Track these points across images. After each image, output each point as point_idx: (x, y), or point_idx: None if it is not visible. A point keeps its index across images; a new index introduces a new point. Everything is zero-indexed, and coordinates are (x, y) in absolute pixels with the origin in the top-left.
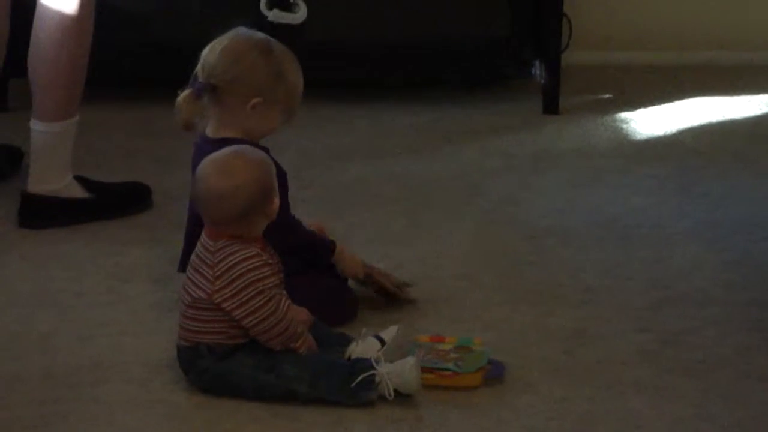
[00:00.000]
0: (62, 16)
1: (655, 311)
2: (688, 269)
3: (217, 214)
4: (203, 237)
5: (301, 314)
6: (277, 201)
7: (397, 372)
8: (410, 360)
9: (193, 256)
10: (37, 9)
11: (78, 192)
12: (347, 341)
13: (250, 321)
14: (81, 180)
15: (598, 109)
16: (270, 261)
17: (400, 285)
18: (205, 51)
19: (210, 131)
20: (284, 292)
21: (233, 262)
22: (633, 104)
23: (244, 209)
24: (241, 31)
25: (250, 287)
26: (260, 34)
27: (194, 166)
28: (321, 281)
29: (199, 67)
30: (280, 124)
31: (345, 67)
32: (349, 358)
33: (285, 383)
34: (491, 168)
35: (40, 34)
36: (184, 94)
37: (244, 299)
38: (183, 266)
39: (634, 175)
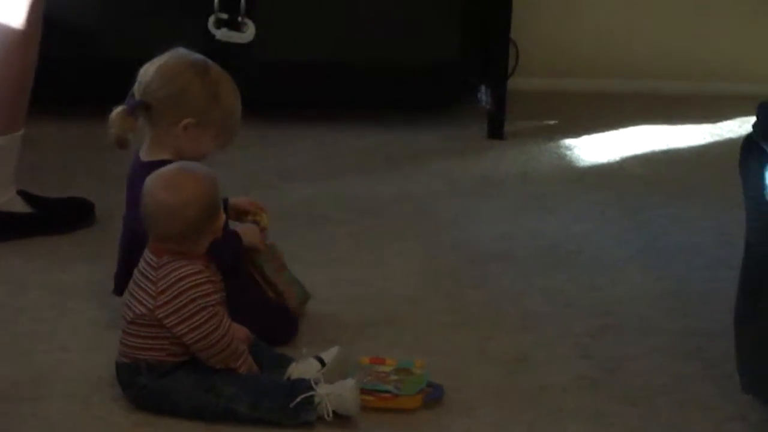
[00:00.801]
0: (8, 32)
1: (596, 338)
2: (629, 296)
3: (164, 230)
4: (146, 253)
5: (241, 333)
6: (222, 217)
7: (337, 393)
8: (350, 381)
9: (135, 273)
10: None
11: (20, 207)
12: (287, 361)
13: (191, 338)
14: (24, 195)
15: (543, 135)
16: (213, 278)
17: (303, 296)
18: (143, 69)
19: (143, 152)
20: (226, 310)
21: (177, 277)
22: (577, 131)
23: (192, 224)
24: (180, 50)
25: (192, 303)
26: (198, 55)
27: (129, 187)
28: (262, 300)
29: (135, 85)
30: (215, 148)
31: (291, 88)
32: (288, 379)
33: (224, 402)
34: (436, 191)
35: None
36: (117, 110)
37: (186, 315)
38: (118, 288)
39: (577, 202)
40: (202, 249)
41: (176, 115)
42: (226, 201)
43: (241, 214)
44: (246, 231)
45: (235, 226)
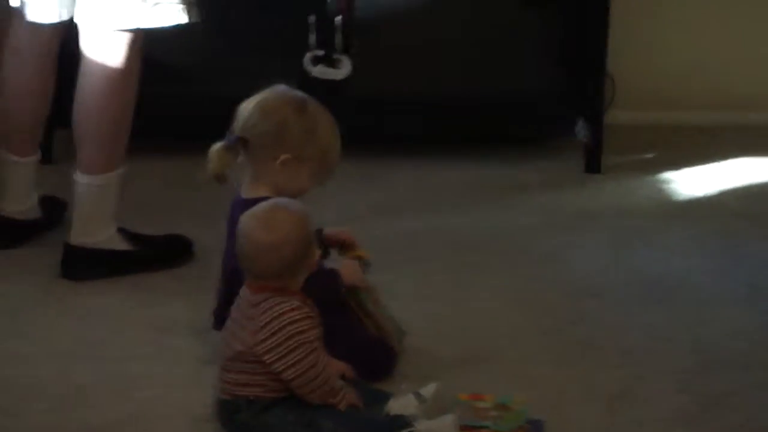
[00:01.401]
0: (108, 69)
1: (697, 373)
2: (730, 332)
3: (261, 269)
4: (244, 290)
5: (340, 368)
6: (316, 253)
7: (436, 430)
8: (449, 417)
9: (233, 310)
10: (83, 60)
11: (120, 244)
12: (386, 397)
13: (290, 374)
14: (123, 232)
15: (640, 169)
16: (311, 314)
17: (399, 334)
18: (242, 105)
19: (244, 189)
20: (323, 346)
21: (275, 314)
22: (675, 164)
23: (288, 262)
24: (280, 87)
25: (290, 339)
26: (298, 92)
27: (229, 224)
28: (360, 335)
29: (235, 121)
30: (313, 184)
31: (388, 123)
32: (387, 415)
33: None
34: (533, 225)
35: (86, 85)
36: (216, 146)
37: (285, 352)
38: (218, 323)
39: (676, 236)
40: (298, 285)
41: (274, 151)
42: (320, 231)
43: (337, 246)
44: (347, 268)
45: (336, 262)
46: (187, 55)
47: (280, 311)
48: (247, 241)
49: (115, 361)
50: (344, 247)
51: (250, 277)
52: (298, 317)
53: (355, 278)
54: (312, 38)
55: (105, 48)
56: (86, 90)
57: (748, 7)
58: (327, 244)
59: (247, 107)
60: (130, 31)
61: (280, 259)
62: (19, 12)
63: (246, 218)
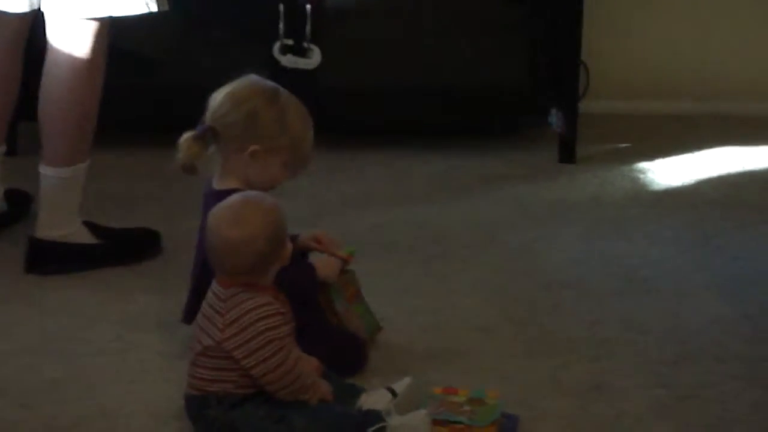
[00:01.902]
0: (74, 60)
1: (673, 366)
2: (706, 323)
3: (230, 265)
4: (214, 285)
5: (311, 363)
6: (289, 246)
7: (409, 424)
8: (422, 412)
9: (203, 304)
10: (49, 51)
11: (86, 238)
12: (358, 392)
13: (260, 371)
14: (90, 225)
15: (616, 159)
16: (282, 310)
17: (374, 328)
18: (213, 95)
19: (215, 181)
20: (294, 341)
21: (245, 309)
22: (650, 154)
23: (258, 258)
24: (252, 77)
25: (260, 336)
26: (269, 82)
27: (203, 216)
28: (331, 330)
29: (206, 111)
30: (285, 176)
31: (359, 114)
32: (360, 409)
33: None
34: (507, 217)
35: (52, 76)
36: (185, 136)
37: (254, 348)
38: (188, 317)
39: (652, 226)
40: (270, 279)
41: (244, 142)
42: (295, 237)
43: (313, 249)
44: (322, 263)
45: (314, 258)
46: (154, 44)
47: (251, 306)
48: (216, 236)
49: (83, 357)
50: (321, 245)
51: (220, 272)
52: (268, 313)
53: (329, 273)
54: (281, 27)
55: (71, 37)
56: (52, 80)
57: None
58: (304, 249)
59: (217, 97)
60: (97, 19)
61: (250, 255)
62: None
63: (214, 213)
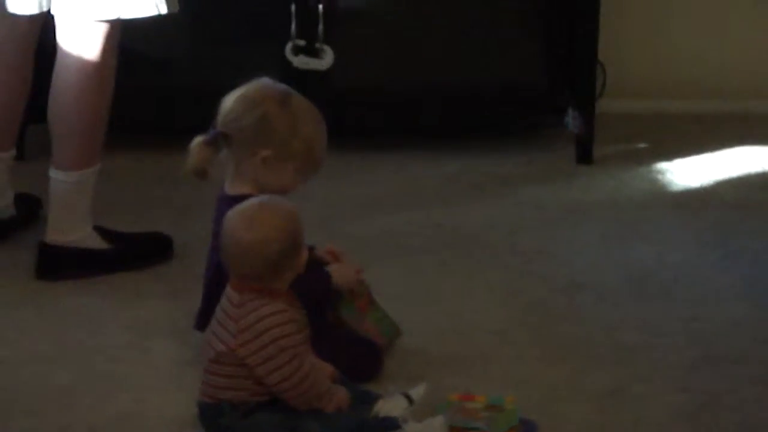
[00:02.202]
0: (84, 63)
1: (693, 370)
2: (726, 327)
3: (244, 268)
4: (228, 290)
5: (325, 370)
6: (305, 253)
7: (426, 431)
8: (438, 419)
9: (217, 310)
10: (59, 53)
11: (97, 243)
12: (373, 399)
13: (273, 378)
14: (100, 230)
15: (634, 159)
16: (295, 317)
17: (393, 334)
18: (225, 98)
19: (227, 186)
20: (309, 348)
21: (260, 316)
22: (669, 154)
23: (272, 262)
24: (264, 80)
25: (273, 344)
26: (282, 85)
27: (215, 220)
28: (346, 336)
29: (218, 115)
30: (298, 181)
31: (373, 115)
32: (375, 416)
33: None
34: (523, 219)
35: (62, 79)
36: (197, 140)
37: (267, 356)
38: (200, 324)
39: (671, 228)
40: (285, 286)
41: (255, 147)
42: (311, 249)
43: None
44: (339, 271)
45: (330, 266)
46: (165, 46)
47: (265, 313)
48: (231, 239)
49: (95, 364)
50: (337, 260)
51: (234, 276)
52: (283, 320)
53: (346, 281)
54: (293, 28)
55: (81, 40)
56: (62, 83)
57: None
58: (318, 261)
59: (229, 101)
60: (108, 21)
61: (263, 258)
62: None
63: (230, 216)
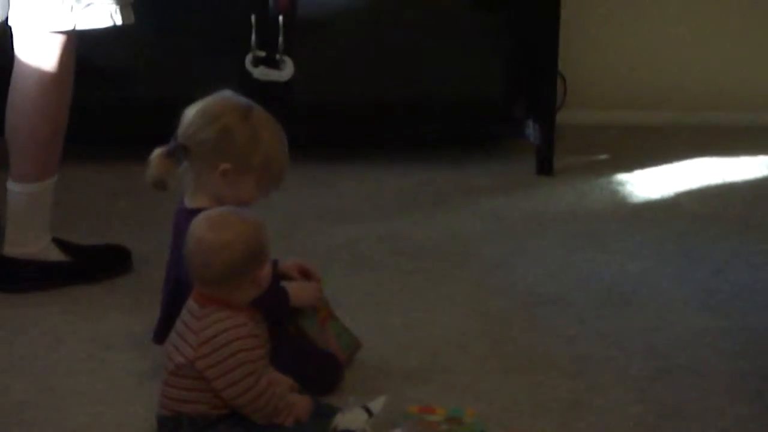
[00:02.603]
0: (41, 74)
1: (654, 381)
2: (687, 338)
3: (206, 271)
4: (190, 302)
5: (284, 382)
6: (268, 268)
7: None
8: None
9: (177, 322)
10: (16, 64)
11: (56, 255)
12: (333, 411)
13: (230, 393)
14: (59, 242)
15: (594, 170)
16: (256, 332)
17: (352, 347)
18: (186, 110)
19: (187, 199)
20: (268, 363)
21: (220, 329)
22: (629, 165)
23: (234, 268)
24: (225, 93)
25: (232, 358)
26: (243, 99)
27: (174, 233)
28: (305, 348)
29: (179, 127)
30: (258, 195)
31: (333, 126)
32: (335, 429)
33: None
34: (484, 231)
35: (19, 90)
36: (156, 152)
37: (226, 369)
38: (159, 337)
39: (631, 239)
40: (246, 300)
41: (215, 160)
42: (275, 263)
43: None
44: (299, 289)
45: (290, 284)
46: (125, 57)
47: (225, 327)
48: (195, 240)
49: (52, 377)
50: (305, 276)
51: (196, 282)
52: (242, 334)
53: (305, 300)
54: (253, 38)
55: (39, 51)
56: (19, 94)
57: (701, 5)
58: (283, 276)
59: (189, 113)
60: (63, 32)
61: (226, 262)
62: None
63: (197, 220)
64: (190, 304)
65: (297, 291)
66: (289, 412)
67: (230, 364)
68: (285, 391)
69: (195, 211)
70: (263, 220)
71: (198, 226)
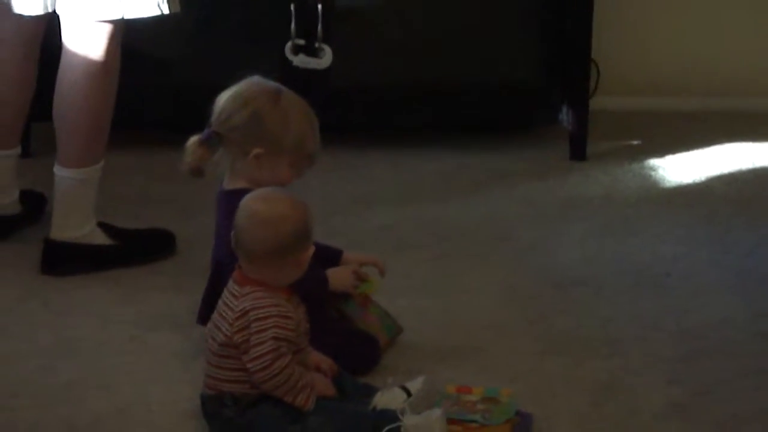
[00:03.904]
0: (88, 62)
1: (686, 363)
2: (719, 320)
3: (255, 243)
4: (231, 283)
5: (324, 363)
6: (310, 251)
7: (423, 424)
8: (436, 411)
9: (219, 303)
10: (64, 52)
11: (101, 239)
12: (372, 391)
13: (252, 366)
14: (104, 226)
15: (626, 156)
16: (290, 313)
17: (393, 330)
18: (217, 99)
19: (225, 182)
20: (306, 343)
21: (256, 305)
22: (661, 151)
23: (281, 243)
24: (254, 79)
25: (262, 332)
26: (271, 83)
27: (216, 216)
28: (343, 329)
29: (212, 115)
30: (293, 176)
31: (371, 113)
32: (374, 409)
33: None
34: (518, 215)
35: (66, 78)
36: (192, 140)
37: (254, 342)
38: (202, 318)
39: (664, 223)
40: (286, 281)
41: (248, 144)
42: (341, 253)
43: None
44: (338, 275)
45: (331, 270)
46: (167, 45)
47: (262, 304)
48: (248, 213)
49: (99, 357)
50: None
51: (243, 259)
52: (274, 312)
53: (342, 285)
54: (293, 27)
55: (85, 39)
56: (67, 82)
57: None
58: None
59: (220, 100)
60: (110, 21)
61: (274, 236)
62: (4, 3)
63: (249, 196)
64: (231, 284)
65: (334, 276)
66: (310, 393)
67: (260, 337)
68: (304, 371)
69: (234, 192)
70: (308, 205)
71: (250, 199)
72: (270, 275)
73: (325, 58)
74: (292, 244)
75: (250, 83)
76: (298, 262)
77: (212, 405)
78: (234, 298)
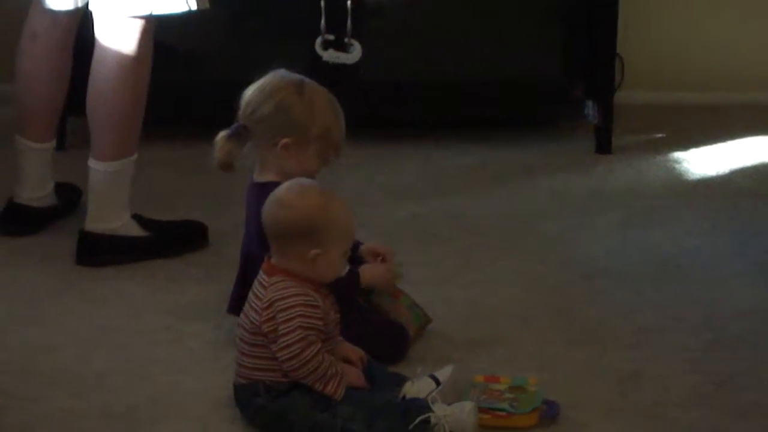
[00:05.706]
0: (121, 56)
1: (709, 352)
2: (741, 310)
3: (274, 224)
4: (260, 273)
5: (354, 353)
6: (333, 254)
7: (455, 415)
8: (468, 404)
9: (249, 294)
10: (96, 47)
11: (135, 230)
12: (402, 380)
13: (282, 355)
14: (138, 218)
15: (651, 149)
16: (318, 304)
17: (422, 320)
18: (244, 93)
19: (255, 175)
20: (337, 333)
21: (284, 294)
22: (686, 144)
23: (306, 224)
24: (279, 72)
25: (289, 322)
26: (295, 75)
27: (247, 208)
28: (374, 320)
29: (239, 110)
30: (320, 165)
31: (398, 107)
32: (404, 398)
33: (341, 423)
34: (544, 208)
35: (99, 73)
36: (221, 134)
37: (282, 332)
38: (234, 308)
39: (687, 216)
40: (314, 276)
41: (275, 135)
42: (357, 245)
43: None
44: (371, 272)
45: (363, 266)
46: (199, 40)
47: (289, 294)
48: (273, 197)
49: (133, 347)
50: (383, 259)
51: (270, 238)
52: (301, 302)
53: (375, 281)
54: (323, 22)
55: (118, 35)
56: (100, 77)
57: None
58: (362, 257)
59: (246, 94)
60: (143, 17)
61: (292, 217)
62: None
63: (281, 186)
64: (260, 274)
65: (368, 273)
66: (340, 381)
67: (285, 327)
68: (334, 360)
69: (264, 185)
70: (348, 204)
71: (280, 189)
72: (296, 267)
73: (355, 53)
74: (317, 230)
75: (274, 76)
76: (329, 260)
77: (244, 393)
78: (262, 288)
